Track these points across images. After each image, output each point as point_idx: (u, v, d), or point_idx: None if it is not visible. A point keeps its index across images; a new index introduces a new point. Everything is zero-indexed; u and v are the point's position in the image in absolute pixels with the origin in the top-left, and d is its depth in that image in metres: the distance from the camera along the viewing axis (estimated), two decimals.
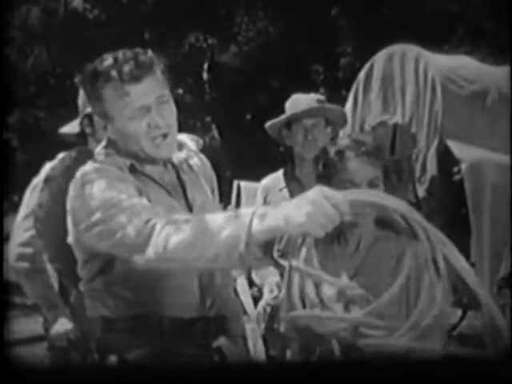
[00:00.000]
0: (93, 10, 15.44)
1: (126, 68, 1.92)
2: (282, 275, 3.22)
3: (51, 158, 3.10)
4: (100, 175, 1.91)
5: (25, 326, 5.99)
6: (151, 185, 2.01)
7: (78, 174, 1.95)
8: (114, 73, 1.93)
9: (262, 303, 3.03)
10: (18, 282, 3.00)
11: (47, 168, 3.05)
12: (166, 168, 2.07)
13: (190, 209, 2.04)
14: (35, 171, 3.12)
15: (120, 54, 1.95)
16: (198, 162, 2.20)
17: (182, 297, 1.99)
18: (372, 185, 2.20)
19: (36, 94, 14.91)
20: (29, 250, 2.97)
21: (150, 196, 1.96)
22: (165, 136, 1.98)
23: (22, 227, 3.03)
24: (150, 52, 1.99)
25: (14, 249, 3.01)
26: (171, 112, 2.02)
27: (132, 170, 2.00)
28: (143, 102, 1.95)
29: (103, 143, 2.08)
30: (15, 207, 3.23)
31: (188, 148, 2.17)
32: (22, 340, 4.99)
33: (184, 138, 2.20)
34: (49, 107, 13.98)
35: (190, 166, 2.14)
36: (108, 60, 1.95)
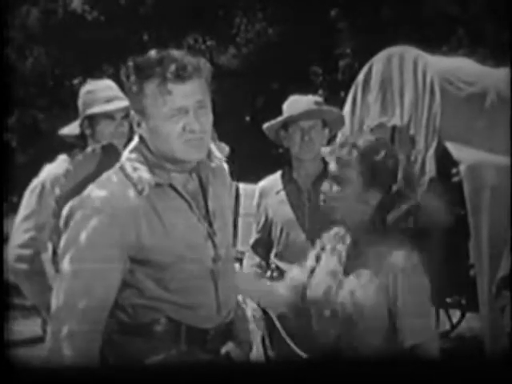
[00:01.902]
0: (92, 11, 15.42)
1: (172, 67, 1.90)
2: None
3: (50, 159, 3.10)
4: (98, 216, 1.89)
5: (23, 327, 5.99)
6: (172, 197, 1.99)
7: (86, 198, 1.93)
8: (158, 69, 1.91)
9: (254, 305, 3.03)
10: (17, 283, 3.00)
11: (49, 168, 3.06)
12: (190, 176, 2.05)
13: (209, 220, 2.04)
14: (34, 172, 3.12)
15: (168, 52, 1.95)
16: (221, 169, 2.19)
17: (200, 310, 2.01)
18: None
19: (35, 95, 14.90)
20: (27, 252, 2.97)
21: (165, 215, 1.95)
22: (198, 141, 1.96)
23: (20, 228, 3.03)
24: (202, 59, 1.98)
25: (12, 250, 3.01)
26: (208, 118, 2.00)
27: (157, 185, 1.97)
28: (183, 103, 1.93)
29: (133, 144, 2.04)
30: (14, 208, 3.23)
31: (214, 155, 2.14)
32: (21, 341, 4.98)
33: (211, 145, 2.18)
34: (48, 108, 13.98)
35: (214, 174, 2.12)
36: (154, 56, 1.94)
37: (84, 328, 1.84)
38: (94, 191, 1.92)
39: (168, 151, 1.96)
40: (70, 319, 1.85)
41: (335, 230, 2.39)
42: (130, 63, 1.97)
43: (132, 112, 2.00)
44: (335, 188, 2.22)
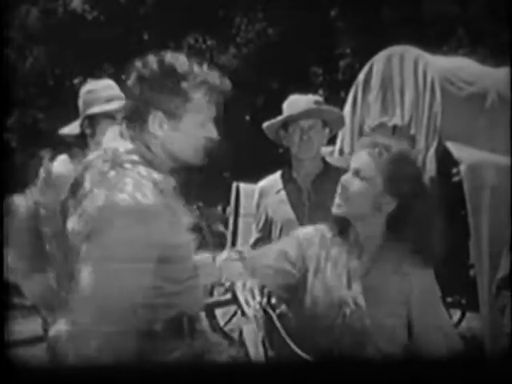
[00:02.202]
0: (92, 11, 15.42)
1: (217, 81, 2.06)
2: None
3: (50, 159, 3.09)
4: (128, 217, 1.89)
5: (23, 326, 5.98)
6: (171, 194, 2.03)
7: (110, 202, 1.90)
8: (210, 79, 2.05)
9: (256, 305, 3.02)
10: (16, 282, 3.00)
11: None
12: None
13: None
14: (34, 172, 3.12)
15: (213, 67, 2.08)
16: None
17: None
18: None
19: (35, 94, 14.90)
20: (27, 251, 2.97)
21: (178, 212, 2.01)
22: (207, 148, 2.08)
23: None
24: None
25: (12, 249, 3.01)
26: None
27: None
28: (214, 114, 2.09)
29: (129, 146, 2.02)
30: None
31: None
32: (21, 341, 4.98)
33: None
34: (48, 108, 13.98)
35: None
36: (190, 63, 2.03)
37: (114, 328, 1.82)
38: (116, 195, 1.90)
39: (183, 154, 2.06)
40: (101, 320, 1.82)
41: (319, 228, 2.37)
42: (182, 64, 2.01)
43: (159, 112, 2.00)
44: (357, 183, 2.20)
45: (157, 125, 2.00)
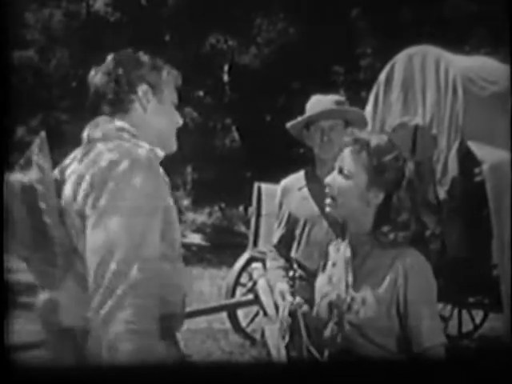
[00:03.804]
0: (114, 12, 15.53)
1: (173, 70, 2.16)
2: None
3: (46, 137, 3.10)
4: (148, 170, 1.89)
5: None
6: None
7: (129, 151, 1.91)
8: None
9: (286, 308, 3.02)
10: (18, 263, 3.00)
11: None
12: None
13: None
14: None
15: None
16: None
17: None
18: None
19: (58, 96, 15.03)
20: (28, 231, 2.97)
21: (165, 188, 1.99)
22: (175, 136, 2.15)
23: None
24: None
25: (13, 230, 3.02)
26: None
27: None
28: (176, 100, 2.17)
29: (118, 123, 2.03)
30: None
31: None
32: (41, 342, 5.01)
33: None
34: (71, 110, 14.09)
35: None
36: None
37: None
38: (135, 148, 1.92)
39: (167, 130, 2.11)
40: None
41: (335, 242, 2.40)
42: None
43: (145, 85, 2.07)
44: (340, 181, 2.23)
45: (145, 98, 2.06)
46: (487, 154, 4.88)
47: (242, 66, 15.99)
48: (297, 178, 3.50)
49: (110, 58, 2.10)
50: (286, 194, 3.49)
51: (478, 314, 6.76)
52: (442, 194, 5.12)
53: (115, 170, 1.84)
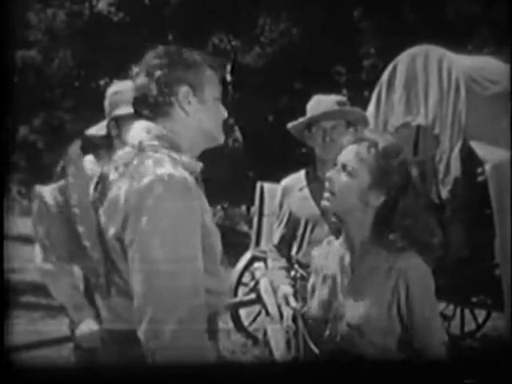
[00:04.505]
0: (117, 12, 15.55)
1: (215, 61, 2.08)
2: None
3: (79, 155, 3.12)
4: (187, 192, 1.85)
5: (51, 326, 6.05)
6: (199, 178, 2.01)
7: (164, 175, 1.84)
8: (217, 61, 2.08)
9: (290, 312, 3.02)
10: (44, 282, 3.03)
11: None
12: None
13: None
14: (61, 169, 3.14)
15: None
16: None
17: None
18: None
19: (61, 96, 15.04)
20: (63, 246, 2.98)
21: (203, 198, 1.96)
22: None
23: None
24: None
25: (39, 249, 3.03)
26: None
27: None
28: (219, 94, 2.08)
29: (155, 131, 1.99)
30: None
31: None
32: (48, 341, 5.04)
33: None
34: (74, 109, 14.10)
35: None
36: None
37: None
38: (169, 165, 1.86)
39: (211, 127, 2.03)
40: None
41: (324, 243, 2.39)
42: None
43: (185, 87, 1.99)
44: (343, 177, 2.22)
45: (186, 101, 1.98)
46: (490, 154, 4.88)
47: (244, 66, 15.98)
48: (297, 178, 3.49)
49: (150, 55, 2.03)
50: (286, 194, 3.49)
51: (481, 314, 6.75)
52: (444, 193, 5.11)
53: (149, 195, 1.81)
